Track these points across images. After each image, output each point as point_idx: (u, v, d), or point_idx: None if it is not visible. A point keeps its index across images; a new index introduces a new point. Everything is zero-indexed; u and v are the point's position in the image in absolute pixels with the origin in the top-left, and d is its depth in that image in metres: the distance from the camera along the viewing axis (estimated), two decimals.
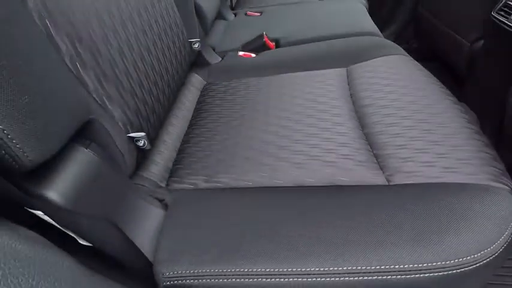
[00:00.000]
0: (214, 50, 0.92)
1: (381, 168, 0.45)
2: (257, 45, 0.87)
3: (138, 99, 0.46)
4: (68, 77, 0.36)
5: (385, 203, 0.39)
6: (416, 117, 0.51)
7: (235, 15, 1.19)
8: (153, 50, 0.54)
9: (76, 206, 0.34)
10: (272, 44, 0.88)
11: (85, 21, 0.40)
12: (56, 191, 0.33)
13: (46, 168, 0.32)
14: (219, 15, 1.14)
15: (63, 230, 0.29)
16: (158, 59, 0.55)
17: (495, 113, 1.04)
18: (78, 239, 0.30)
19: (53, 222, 0.29)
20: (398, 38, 1.79)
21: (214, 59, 0.85)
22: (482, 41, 1.14)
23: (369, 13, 1.15)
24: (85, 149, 0.38)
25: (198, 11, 0.91)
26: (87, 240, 0.31)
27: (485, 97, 1.13)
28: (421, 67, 0.68)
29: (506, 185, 0.40)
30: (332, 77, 0.68)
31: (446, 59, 1.41)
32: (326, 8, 1.09)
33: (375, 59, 0.70)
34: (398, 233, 0.34)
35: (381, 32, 1.81)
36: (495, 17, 1.01)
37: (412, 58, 0.72)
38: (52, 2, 0.35)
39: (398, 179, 0.43)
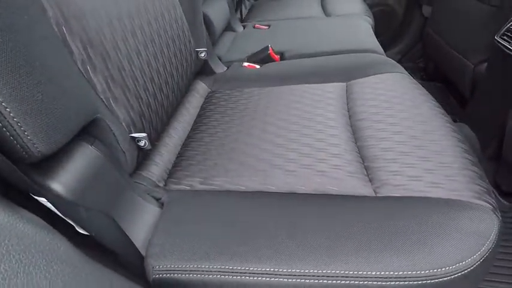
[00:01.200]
0: (220, 59, 0.95)
1: (370, 180, 0.47)
2: (262, 57, 0.90)
3: (143, 103, 0.49)
4: (78, 78, 0.39)
5: (370, 213, 0.40)
6: (409, 133, 0.53)
7: (244, 28, 1.23)
8: (160, 57, 0.57)
9: (77, 198, 0.36)
10: (277, 56, 0.92)
11: (97, 29, 0.43)
12: (59, 182, 0.35)
13: (53, 160, 0.35)
14: (228, 27, 1.18)
15: (63, 217, 0.32)
16: (164, 66, 0.58)
17: (496, 135, 1.05)
18: (76, 227, 0.32)
19: (55, 210, 0.32)
20: (404, 57, 1.82)
21: (219, 68, 0.89)
22: (485, 64, 1.15)
23: (376, 31, 1.18)
24: (90, 146, 0.40)
25: (207, 22, 0.95)
26: (85, 230, 0.33)
27: (486, 119, 1.14)
28: (419, 85, 0.70)
29: (489, 203, 0.41)
30: (331, 91, 0.70)
31: (450, 80, 1.42)
32: (332, 24, 1.12)
33: (374, 76, 0.73)
34: (378, 241, 0.36)
35: (388, 50, 1.84)
36: (498, 41, 1.03)
37: (410, 77, 0.74)
38: (69, 10, 0.39)
39: (385, 191, 0.44)
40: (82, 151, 0.39)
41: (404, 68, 0.80)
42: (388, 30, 1.75)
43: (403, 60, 1.80)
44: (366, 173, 0.48)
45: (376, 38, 1.06)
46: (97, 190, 0.39)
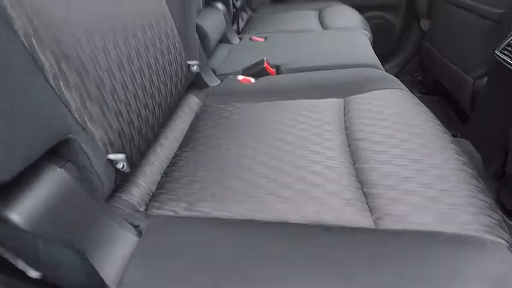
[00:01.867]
0: (215, 72, 0.92)
1: (370, 209, 0.43)
2: (257, 71, 0.87)
3: (123, 120, 0.45)
4: (47, 94, 0.35)
5: (370, 249, 0.36)
6: (410, 157, 0.49)
7: (240, 40, 1.20)
8: (147, 71, 0.54)
9: (39, 229, 0.32)
10: (272, 70, 0.89)
11: (74, 41, 0.40)
12: (18, 212, 0.31)
13: (12, 186, 0.31)
14: (224, 39, 1.16)
15: (12, 260, 0.27)
16: (151, 80, 0.55)
17: (498, 151, 1.01)
18: (27, 271, 0.28)
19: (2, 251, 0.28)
20: (402, 70, 1.81)
21: (213, 81, 0.85)
22: (485, 79, 1.13)
23: (374, 45, 1.16)
24: (58, 168, 0.36)
25: (202, 35, 0.92)
26: (39, 270, 0.29)
27: (488, 135, 1.11)
28: (419, 102, 0.67)
29: (503, 238, 0.37)
30: (329, 107, 0.67)
31: (450, 94, 1.40)
32: (329, 37, 1.10)
33: (373, 92, 0.70)
34: (380, 285, 0.31)
35: (386, 64, 1.83)
36: (499, 56, 1.01)
37: (410, 93, 0.71)
38: (40, 20, 0.35)
39: (387, 223, 0.40)
40: (49, 174, 0.35)
41: (403, 82, 0.77)
42: (386, 44, 1.74)
43: (401, 73, 1.79)
44: (365, 200, 0.44)
45: (374, 51, 1.04)
46: (64, 219, 0.35)
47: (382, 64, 0.98)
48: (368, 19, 1.61)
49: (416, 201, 0.42)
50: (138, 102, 0.50)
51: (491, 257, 0.33)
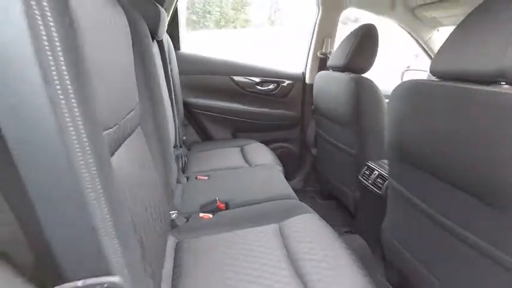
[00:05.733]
0: (179, 211, 1.20)
1: None
2: (212, 208, 1.19)
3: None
4: None
5: None
6: (326, 280, 0.84)
7: (187, 179, 1.54)
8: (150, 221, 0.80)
9: None
10: (223, 205, 1.22)
11: None
12: None
13: None
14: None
15: None
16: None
17: (378, 241, 1.49)
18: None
19: None
20: (306, 183, 2.38)
21: (180, 220, 1.12)
22: (358, 192, 1.70)
23: (284, 166, 1.67)
24: None
25: None
26: None
27: (370, 230, 1.60)
28: (325, 224, 1.07)
29: None
30: (269, 232, 1.01)
31: (340, 200, 1.95)
32: (257, 174, 1.53)
33: (294, 217, 1.08)
34: None
35: (294, 179, 2.37)
36: (360, 179, 1.59)
37: (318, 216, 1.12)
38: None
39: None
40: None
41: (308, 192, 1.20)
42: (291, 165, 2.33)
43: (305, 185, 2.35)
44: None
45: (284, 170, 1.51)
46: None
47: (291, 179, 1.41)
48: (274, 149, 2.20)
49: None
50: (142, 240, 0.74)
51: None
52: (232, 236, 0.99)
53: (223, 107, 2.14)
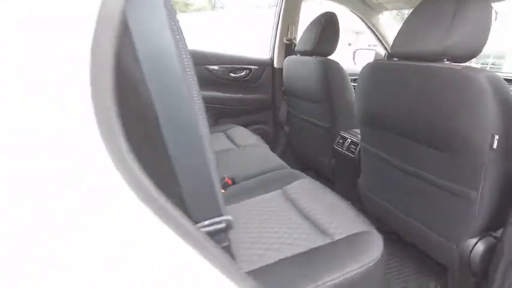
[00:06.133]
0: None
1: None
2: (222, 184, 1.37)
3: None
4: None
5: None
6: (330, 212, 1.09)
7: None
8: None
9: None
10: (230, 181, 1.40)
11: None
12: None
13: None
14: None
15: None
16: None
17: (356, 198, 1.79)
18: None
19: None
20: (282, 159, 2.63)
21: None
22: (334, 159, 1.98)
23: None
24: None
25: None
26: None
27: (346, 190, 1.90)
28: (320, 184, 1.31)
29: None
30: (276, 197, 1.23)
31: (317, 169, 2.24)
32: (250, 153, 1.72)
33: (293, 183, 1.31)
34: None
35: (276, 152, 2.59)
36: (335, 148, 1.87)
37: (312, 179, 1.36)
38: None
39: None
40: None
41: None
42: (267, 143, 2.55)
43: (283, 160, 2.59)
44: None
45: None
46: None
47: None
48: (253, 132, 2.40)
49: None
50: None
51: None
52: (250, 203, 1.19)
53: (203, 95, 2.27)
